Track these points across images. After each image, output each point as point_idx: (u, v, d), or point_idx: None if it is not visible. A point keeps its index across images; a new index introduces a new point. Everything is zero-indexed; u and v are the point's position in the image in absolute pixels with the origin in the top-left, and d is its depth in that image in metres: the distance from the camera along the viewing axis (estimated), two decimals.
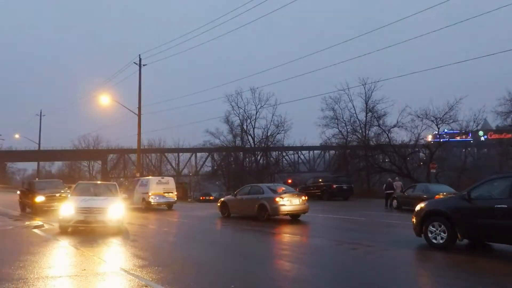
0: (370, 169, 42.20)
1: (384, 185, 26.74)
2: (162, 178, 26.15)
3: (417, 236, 9.62)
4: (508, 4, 19.79)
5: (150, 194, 23.11)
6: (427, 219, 9.32)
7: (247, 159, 59.73)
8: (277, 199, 15.55)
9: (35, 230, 12.86)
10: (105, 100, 34.56)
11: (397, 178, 29.83)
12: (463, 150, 65.14)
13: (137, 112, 34.84)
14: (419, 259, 8.88)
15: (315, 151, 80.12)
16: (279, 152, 67.95)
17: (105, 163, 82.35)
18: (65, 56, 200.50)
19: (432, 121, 38.35)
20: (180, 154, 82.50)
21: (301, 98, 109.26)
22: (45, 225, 14.25)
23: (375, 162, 42.86)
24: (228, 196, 19.78)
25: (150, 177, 27.16)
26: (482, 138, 46.53)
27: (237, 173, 57.14)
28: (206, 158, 76.97)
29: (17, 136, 63.78)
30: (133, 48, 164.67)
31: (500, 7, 20.31)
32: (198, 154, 79.83)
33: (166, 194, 23.60)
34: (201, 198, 54.96)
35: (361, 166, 43.86)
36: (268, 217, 15.77)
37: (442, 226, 8.97)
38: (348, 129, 44.57)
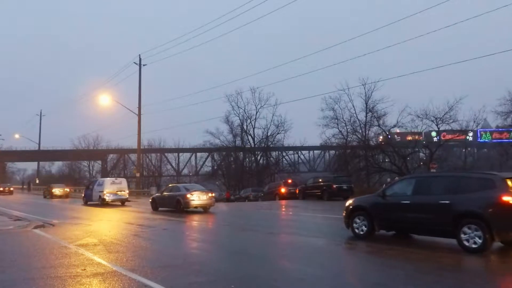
0: (370, 169, 42.14)
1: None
2: (115, 179, 30.29)
3: (346, 228, 10.84)
4: (508, 4, 19.84)
5: (105, 192, 26.56)
6: (352, 213, 10.73)
7: (247, 159, 59.63)
8: (188, 195, 19.33)
9: (36, 230, 12.87)
10: (105, 100, 34.67)
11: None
12: (463, 150, 65.09)
13: (137, 112, 34.87)
14: (420, 259, 8.87)
15: (315, 151, 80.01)
16: (279, 152, 67.82)
17: (105, 163, 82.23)
18: (65, 56, 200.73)
19: (432, 121, 38.33)
20: (180, 154, 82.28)
21: (301, 98, 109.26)
22: (45, 225, 14.26)
23: (375, 162, 42.81)
24: (157, 194, 23.91)
25: (106, 178, 31.90)
26: (435, 139, 46.24)
27: (237, 173, 57.09)
28: (206, 158, 76.88)
29: (17, 136, 63.81)
30: (133, 48, 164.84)
31: (500, 7, 20.35)
32: (198, 154, 79.68)
33: (119, 192, 27.14)
34: None
35: (361, 166, 43.77)
36: (182, 209, 19.41)
37: (364, 219, 10.33)
38: (348, 129, 44.46)
